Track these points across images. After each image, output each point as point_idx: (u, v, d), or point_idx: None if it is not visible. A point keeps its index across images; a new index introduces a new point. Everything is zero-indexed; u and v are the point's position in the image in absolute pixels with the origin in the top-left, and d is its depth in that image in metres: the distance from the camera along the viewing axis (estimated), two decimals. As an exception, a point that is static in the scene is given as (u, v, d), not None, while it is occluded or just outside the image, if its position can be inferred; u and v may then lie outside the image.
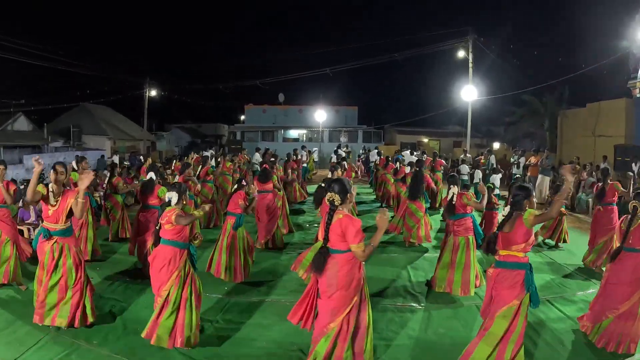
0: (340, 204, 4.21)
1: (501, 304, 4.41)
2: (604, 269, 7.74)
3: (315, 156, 24.95)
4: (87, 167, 9.55)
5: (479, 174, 15.85)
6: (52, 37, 50.34)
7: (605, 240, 8.18)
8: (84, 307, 5.38)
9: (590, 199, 14.07)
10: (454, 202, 6.99)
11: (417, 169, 10.34)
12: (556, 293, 7.02)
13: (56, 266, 5.27)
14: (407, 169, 12.45)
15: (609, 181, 8.63)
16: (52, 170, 5.38)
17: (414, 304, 6.44)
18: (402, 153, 20.21)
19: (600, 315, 5.30)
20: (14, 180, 8.02)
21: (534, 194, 4.60)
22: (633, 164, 16.11)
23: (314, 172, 24.41)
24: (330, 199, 4.20)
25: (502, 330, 4.35)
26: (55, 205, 5.29)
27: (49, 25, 53.54)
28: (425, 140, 35.72)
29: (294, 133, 38.18)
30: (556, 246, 9.90)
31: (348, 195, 4.23)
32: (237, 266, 7.17)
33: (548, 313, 6.17)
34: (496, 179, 14.46)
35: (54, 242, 5.28)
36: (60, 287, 5.28)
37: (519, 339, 4.39)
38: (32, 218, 9.84)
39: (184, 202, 5.32)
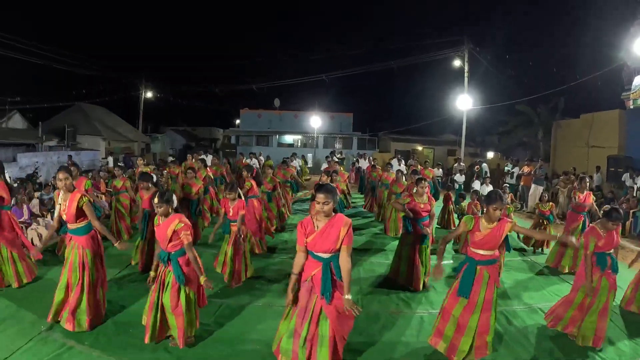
0: None
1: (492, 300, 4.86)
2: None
3: (309, 161, 24.97)
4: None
5: (477, 184, 15.92)
6: (49, 35, 50.22)
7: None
8: (81, 311, 5.42)
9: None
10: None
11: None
12: (547, 300, 7.07)
13: (67, 262, 5.52)
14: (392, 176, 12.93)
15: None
16: (57, 179, 5.53)
17: (406, 310, 6.46)
18: (391, 161, 20.30)
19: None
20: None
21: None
22: (627, 175, 16.25)
23: (308, 177, 24.46)
24: None
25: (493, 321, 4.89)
26: (65, 209, 5.50)
27: (46, 24, 53.52)
28: (420, 148, 35.82)
29: (288, 138, 38.16)
30: (535, 251, 10.26)
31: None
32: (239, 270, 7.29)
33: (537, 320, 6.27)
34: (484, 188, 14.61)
35: (70, 239, 5.56)
36: (69, 285, 5.46)
37: None
38: (25, 217, 9.80)
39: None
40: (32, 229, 9.55)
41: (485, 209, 4.89)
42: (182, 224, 4.96)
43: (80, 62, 26.23)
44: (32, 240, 9.37)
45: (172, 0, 79.82)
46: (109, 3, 70.34)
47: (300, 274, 4.36)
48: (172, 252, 4.97)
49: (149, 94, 32.64)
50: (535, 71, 32.78)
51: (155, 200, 4.98)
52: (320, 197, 4.12)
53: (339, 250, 4.21)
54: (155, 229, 5.10)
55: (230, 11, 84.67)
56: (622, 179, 16.48)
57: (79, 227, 5.55)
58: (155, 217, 5.12)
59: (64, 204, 5.50)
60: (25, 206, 9.94)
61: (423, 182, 7.45)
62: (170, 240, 4.94)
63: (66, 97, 30.47)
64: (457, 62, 23.27)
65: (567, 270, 8.60)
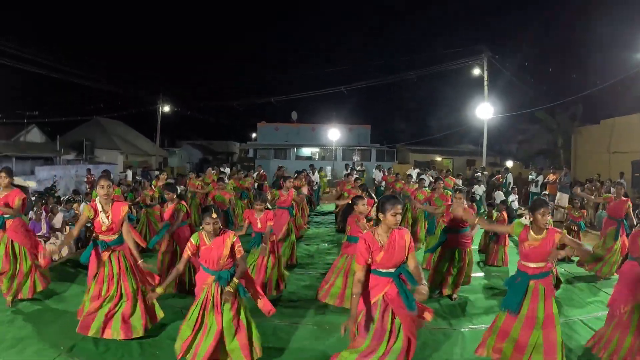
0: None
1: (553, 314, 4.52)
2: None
3: (328, 174, 24.71)
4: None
5: (500, 195, 15.56)
6: (68, 50, 50.88)
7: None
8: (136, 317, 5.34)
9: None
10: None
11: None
12: (588, 312, 6.84)
13: (113, 276, 5.31)
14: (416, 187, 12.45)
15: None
16: (98, 187, 5.33)
17: (446, 326, 6.18)
18: (411, 172, 20.00)
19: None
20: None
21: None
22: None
23: (327, 190, 24.16)
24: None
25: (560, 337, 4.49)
26: (108, 220, 5.30)
27: (65, 39, 54.19)
28: (439, 159, 35.47)
29: (306, 151, 38.09)
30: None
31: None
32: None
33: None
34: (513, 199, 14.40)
35: (112, 252, 5.34)
36: (117, 297, 5.29)
37: None
38: (44, 230, 9.64)
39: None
40: (50, 243, 9.35)
41: (531, 218, 4.63)
42: (235, 236, 4.72)
43: (98, 76, 26.42)
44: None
45: (189, 16, 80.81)
46: (127, 20, 71.25)
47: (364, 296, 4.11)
48: (229, 270, 4.69)
49: (166, 108, 32.75)
50: (554, 78, 32.42)
51: (213, 215, 4.61)
52: (398, 207, 4.01)
53: (406, 260, 4.12)
54: (201, 249, 4.71)
55: (246, 25, 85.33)
56: None
57: (119, 237, 5.42)
58: (195, 236, 4.74)
59: (106, 213, 5.31)
60: (43, 219, 9.77)
61: (459, 193, 7.24)
62: (227, 257, 4.64)
63: (84, 111, 30.68)
64: (476, 71, 22.97)
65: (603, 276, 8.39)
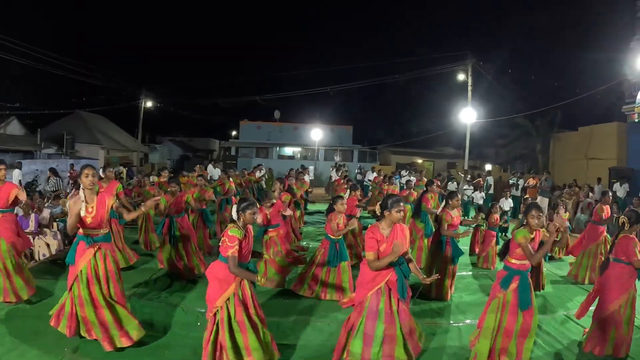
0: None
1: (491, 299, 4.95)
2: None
3: (310, 174, 24.79)
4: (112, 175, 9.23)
5: (478, 196, 15.97)
6: (51, 42, 49.92)
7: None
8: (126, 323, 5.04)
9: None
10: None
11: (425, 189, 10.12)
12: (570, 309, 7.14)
13: (97, 275, 4.96)
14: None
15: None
16: (82, 176, 4.96)
17: (443, 322, 6.42)
18: (400, 173, 20.24)
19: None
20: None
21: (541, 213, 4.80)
22: (618, 184, 16.24)
23: (310, 190, 24.23)
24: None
25: (492, 323, 4.81)
26: (92, 212, 4.94)
27: (49, 31, 53.15)
28: (420, 161, 35.83)
29: (288, 151, 38.09)
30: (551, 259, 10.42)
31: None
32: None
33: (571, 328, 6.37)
34: (478, 197, 14.95)
35: (98, 249, 5.01)
36: (97, 298, 4.92)
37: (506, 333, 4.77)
38: (32, 227, 9.52)
39: (242, 220, 4.56)
40: (39, 239, 9.30)
41: (525, 220, 4.95)
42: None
43: (80, 69, 26.06)
44: (39, 251, 9.14)
45: (174, 12, 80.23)
46: (110, 13, 70.40)
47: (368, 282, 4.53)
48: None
49: (149, 104, 32.48)
50: (535, 84, 33.03)
51: (256, 207, 4.67)
52: (401, 205, 4.47)
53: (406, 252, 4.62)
54: (243, 242, 4.49)
55: (229, 23, 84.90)
56: (613, 189, 16.18)
57: (108, 233, 5.20)
58: (237, 229, 4.48)
59: (90, 206, 4.94)
60: (32, 215, 9.66)
61: (456, 195, 7.55)
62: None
63: (65, 104, 30.21)
64: (460, 76, 23.32)
65: (586, 282, 8.67)
